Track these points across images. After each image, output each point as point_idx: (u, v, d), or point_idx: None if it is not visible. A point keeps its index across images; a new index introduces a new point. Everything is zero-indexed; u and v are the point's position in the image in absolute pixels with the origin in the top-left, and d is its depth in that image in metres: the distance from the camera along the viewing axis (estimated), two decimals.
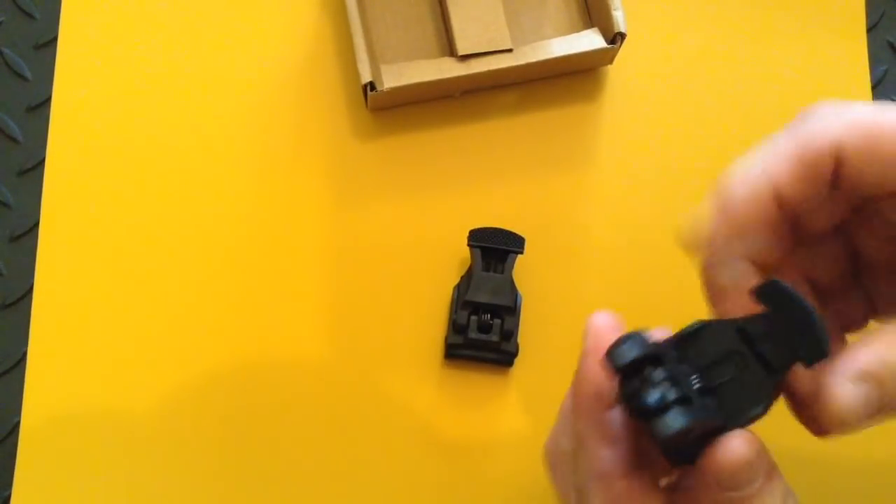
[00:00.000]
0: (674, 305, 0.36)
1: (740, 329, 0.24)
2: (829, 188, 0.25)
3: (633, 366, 0.24)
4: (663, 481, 0.29)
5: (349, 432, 0.42)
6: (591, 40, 0.44)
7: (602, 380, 0.26)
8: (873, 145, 0.23)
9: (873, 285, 0.28)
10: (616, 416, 0.26)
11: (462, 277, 0.43)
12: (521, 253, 0.42)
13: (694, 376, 0.24)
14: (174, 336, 0.43)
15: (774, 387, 0.24)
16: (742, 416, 0.24)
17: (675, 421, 0.22)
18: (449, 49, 0.45)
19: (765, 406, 0.24)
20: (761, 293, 0.24)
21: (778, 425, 0.26)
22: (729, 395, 0.24)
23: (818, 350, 0.23)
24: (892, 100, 0.48)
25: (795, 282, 0.26)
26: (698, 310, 0.27)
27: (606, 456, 0.26)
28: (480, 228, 0.42)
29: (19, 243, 0.44)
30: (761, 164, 0.25)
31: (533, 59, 0.43)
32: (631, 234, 0.45)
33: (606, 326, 0.26)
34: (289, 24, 0.47)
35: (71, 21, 0.46)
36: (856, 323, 0.28)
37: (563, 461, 0.29)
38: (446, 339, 0.42)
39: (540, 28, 0.46)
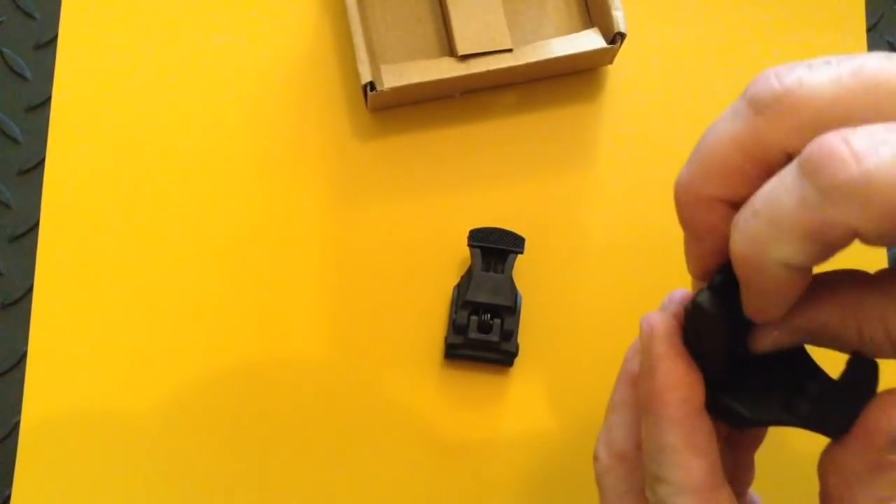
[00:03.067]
0: None
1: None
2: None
3: None
4: None
5: (349, 432, 0.42)
6: (591, 40, 0.44)
7: (690, 382, 0.25)
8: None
9: None
10: (701, 423, 0.25)
11: (462, 277, 0.43)
12: (521, 253, 0.42)
13: None
14: (174, 336, 0.43)
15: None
16: None
17: None
18: (449, 49, 0.45)
19: None
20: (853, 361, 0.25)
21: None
22: None
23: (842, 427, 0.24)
24: None
25: None
26: None
27: (698, 467, 0.25)
28: (480, 228, 0.42)
29: (19, 243, 0.44)
30: (769, 250, 0.21)
31: (533, 59, 0.43)
32: (631, 234, 0.45)
33: (669, 327, 0.26)
34: (289, 24, 0.47)
35: (71, 21, 0.46)
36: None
37: (621, 465, 0.28)
38: (446, 339, 0.42)
39: (540, 28, 0.46)
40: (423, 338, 0.43)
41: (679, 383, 0.25)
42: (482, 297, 0.41)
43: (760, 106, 0.22)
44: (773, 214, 0.21)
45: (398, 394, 0.43)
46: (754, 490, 0.30)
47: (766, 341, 0.24)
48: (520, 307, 0.42)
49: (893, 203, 0.18)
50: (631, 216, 0.45)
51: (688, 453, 0.25)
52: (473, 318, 0.41)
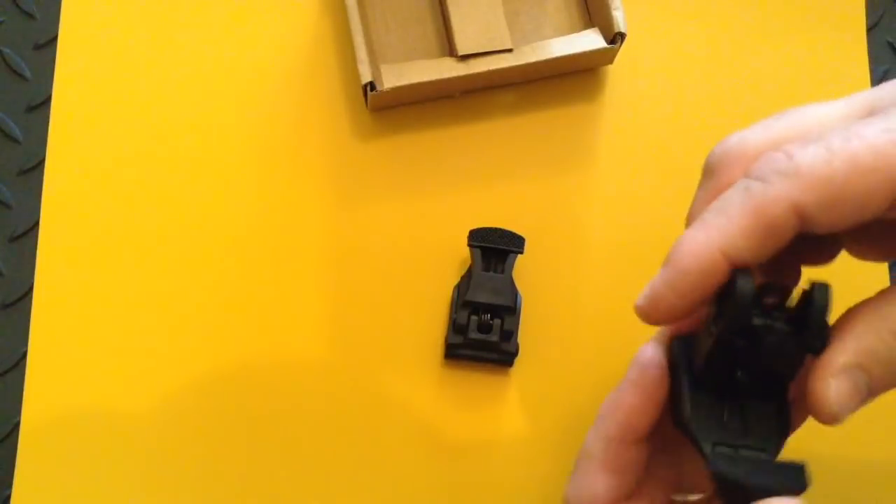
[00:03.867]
0: None
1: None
2: (790, 242, 0.24)
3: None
4: (678, 497, 0.29)
5: (349, 432, 0.42)
6: (591, 40, 0.44)
7: (638, 414, 0.27)
8: (837, 197, 0.23)
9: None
10: (627, 452, 0.27)
11: (462, 277, 0.43)
12: (521, 253, 0.42)
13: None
14: (174, 336, 0.43)
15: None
16: None
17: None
18: (449, 49, 0.45)
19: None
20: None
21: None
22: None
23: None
24: None
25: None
26: None
27: (603, 483, 0.27)
28: (480, 228, 0.42)
29: (19, 243, 0.44)
30: (715, 236, 0.24)
31: (533, 59, 0.43)
32: (631, 234, 0.45)
33: (655, 363, 0.27)
34: (289, 24, 0.47)
35: (71, 21, 0.46)
36: (820, 261, 0.29)
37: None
38: (446, 339, 0.42)
39: (540, 28, 0.46)
40: (423, 338, 0.43)
41: (625, 409, 0.27)
42: (482, 297, 0.41)
43: (713, 167, 0.27)
44: (722, 205, 0.24)
45: (398, 394, 0.43)
46: None
47: (833, 407, 0.24)
48: (520, 307, 0.42)
49: (819, 177, 0.23)
50: (631, 216, 0.45)
51: (599, 468, 0.27)
52: (473, 318, 0.41)
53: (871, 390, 0.24)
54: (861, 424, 0.43)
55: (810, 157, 0.23)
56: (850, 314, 0.25)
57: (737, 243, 0.24)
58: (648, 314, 0.26)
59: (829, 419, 0.24)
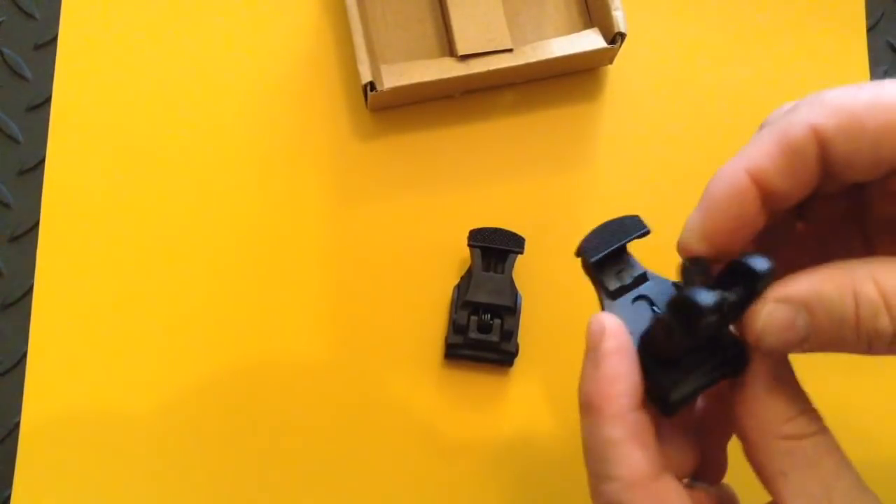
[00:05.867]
0: None
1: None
2: (818, 176, 0.25)
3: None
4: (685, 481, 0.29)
5: (349, 432, 0.42)
6: (591, 40, 0.44)
7: (634, 377, 0.25)
8: (854, 124, 0.23)
9: (873, 229, 0.28)
10: (643, 416, 0.25)
11: (462, 277, 0.43)
12: (521, 253, 0.42)
13: None
14: (174, 336, 0.43)
15: None
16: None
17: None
18: (449, 49, 0.45)
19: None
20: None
21: None
22: None
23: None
24: None
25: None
26: None
27: (643, 459, 0.25)
28: (480, 228, 0.42)
29: (19, 243, 0.44)
30: (742, 161, 0.25)
31: (533, 59, 0.43)
32: None
33: (619, 326, 0.26)
34: (289, 24, 0.47)
35: (71, 21, 0.46)
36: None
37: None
38: (446, 339, 0.42)
39: (540, 28, 0.46)
40: (423, 338, 0.43)
41: (625, 377, 0.25)
42: (482, 297, 0.41)
43: (764, 123, 0.27)
44: (754, 138, 0.25)
45: (398, 394, 0.43)
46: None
47: (758, 324, 0.24)
48: (520, 307, 0.42)
49: (841, 105, 0.24)
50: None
51: (632, 446, 0.25)
52: (473, 318, 0.41)
53: (807, 337, 0.24)
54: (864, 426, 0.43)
55: (838, 92, 0.24)
56: (823, 265, 0.24)
57: (761, 165, 0.24)
58: (687, 246, 0.26)
59: (751, 338, 0.24)
